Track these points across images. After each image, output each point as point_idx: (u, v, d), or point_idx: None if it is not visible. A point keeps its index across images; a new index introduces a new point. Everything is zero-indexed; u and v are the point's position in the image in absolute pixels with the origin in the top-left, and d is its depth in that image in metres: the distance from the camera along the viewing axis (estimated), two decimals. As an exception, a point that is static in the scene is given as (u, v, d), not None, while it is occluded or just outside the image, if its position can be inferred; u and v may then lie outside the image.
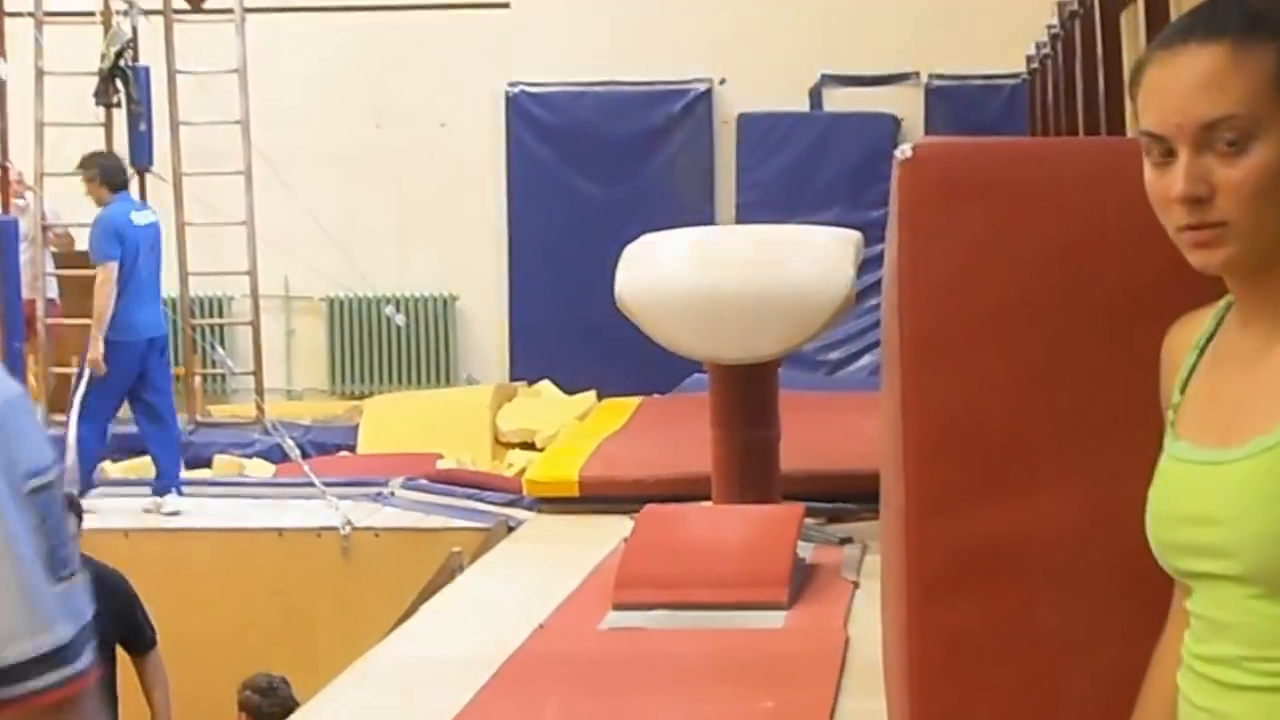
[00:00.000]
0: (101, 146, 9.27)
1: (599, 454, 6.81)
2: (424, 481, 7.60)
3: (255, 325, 9.93)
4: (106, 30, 9.38)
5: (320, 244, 10.64)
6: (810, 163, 11.62)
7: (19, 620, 1.24)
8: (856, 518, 5.60)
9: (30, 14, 9.47)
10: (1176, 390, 1.53)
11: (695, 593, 4.69)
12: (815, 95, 11.81)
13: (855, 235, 5.84)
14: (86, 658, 1.28)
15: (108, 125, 9.42)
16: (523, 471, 7.58)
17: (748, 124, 11.78)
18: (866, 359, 10.61)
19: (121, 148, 9.26)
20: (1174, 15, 5.53)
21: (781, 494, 5.55)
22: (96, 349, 7.53)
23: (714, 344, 5.49)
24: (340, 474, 7.89)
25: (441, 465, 8.42)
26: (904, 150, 2.28)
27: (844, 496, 5.73)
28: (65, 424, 7.58)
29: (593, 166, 11.68)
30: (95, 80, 9.18)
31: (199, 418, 9.69)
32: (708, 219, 11.12)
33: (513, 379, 11.17)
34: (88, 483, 7.60)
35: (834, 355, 10.95)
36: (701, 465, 5.67)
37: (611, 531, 5.53)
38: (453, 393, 10.99)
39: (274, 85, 10.55)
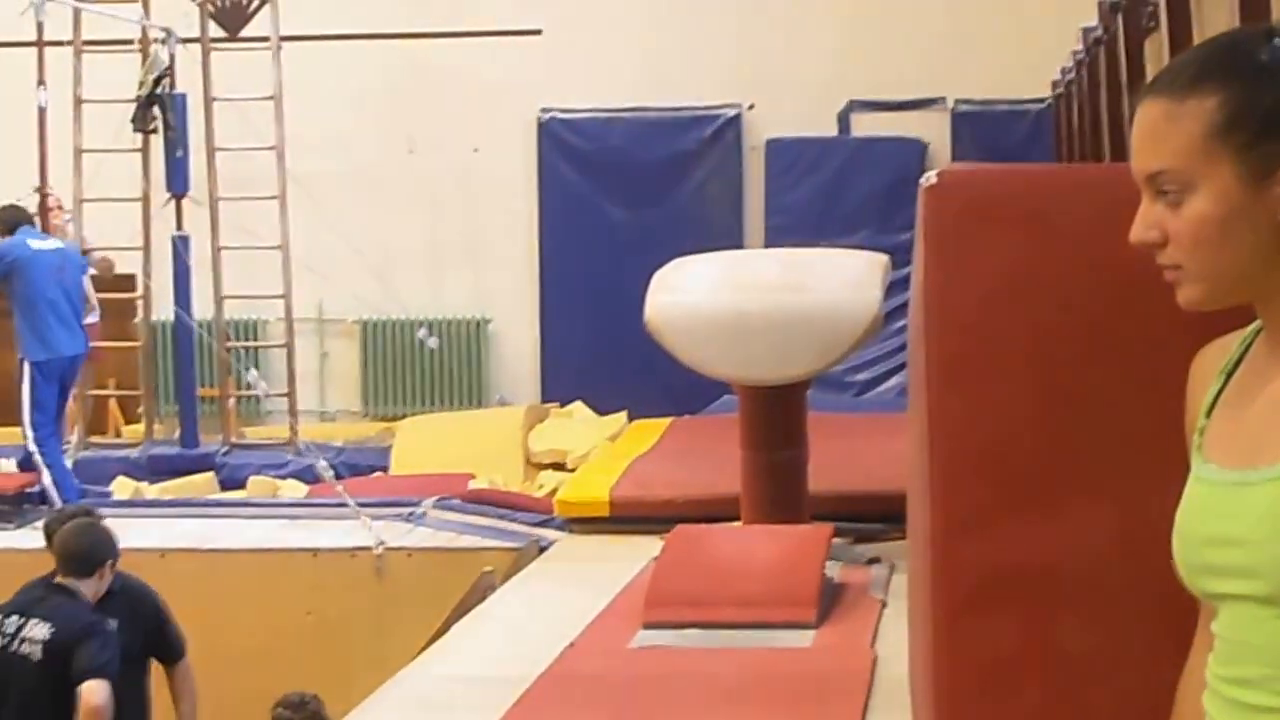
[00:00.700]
0: (139, 172, 9.39)
1: (629, 474, 6.83)
2: (456, 502, 7.62)
3: (289, 348, 9.98)
4: (144, 58, 9.49)
5: (354, 267, 10.72)
6: (838, 187, 11.66)
7: None
8: (884, 537, 5.62)
9: (69, 43, 9.60)
10: (1203, 414, 1.55)
11: (724, 612, 4.71)
12: (843, 120, 11.87)
13: (883, 258, 5.85)
14: None
15: (145, 151, 9.52)
16: (554, 492, 7.60)
17: (776, 149, 11.83)
18: (894, 380, 10.63)
19: (158, 173, 9.38)
20: (1197, 41, 5.55)
21: (810, 514, 5.56)
22: None
23: (743, 366, 5.51)
24: (373, 494, 7.93)
25: (473, 486, 8.45)
26: (929, 177, 2.30)
27: (872, 516, 5.74)
28: (68, 444, 8.08)
29: (623, 191, 11.75)
30: (133, 107, 9.30)
31: (233, 439, 9.75)
32: (737, 242, 11.17)
33: (544, 401, 11.21)
34: (75, 491, 7.91)
35: (862, 376, 10.98)
36: (731, 486, 5.69)
37: (642, 551, 5.55)
38: (485, 414, 11.03)
39: (309, 111, 10.64)
